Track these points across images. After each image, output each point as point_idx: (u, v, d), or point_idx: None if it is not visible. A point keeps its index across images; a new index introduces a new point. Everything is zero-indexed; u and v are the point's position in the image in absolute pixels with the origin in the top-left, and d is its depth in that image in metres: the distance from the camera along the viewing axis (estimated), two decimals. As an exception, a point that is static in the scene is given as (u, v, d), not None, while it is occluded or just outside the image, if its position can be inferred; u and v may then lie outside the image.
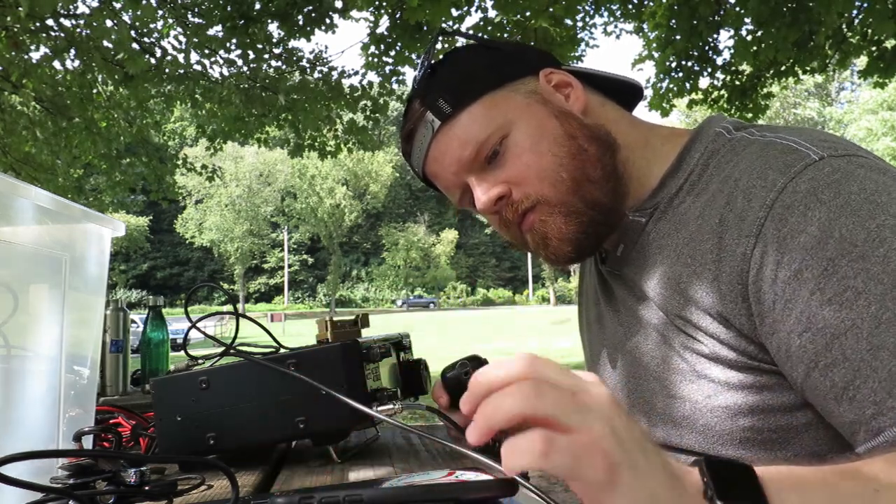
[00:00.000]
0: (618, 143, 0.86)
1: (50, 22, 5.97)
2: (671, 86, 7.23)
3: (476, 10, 6.50)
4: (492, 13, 6.39)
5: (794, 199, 0.68)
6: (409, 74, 7.12)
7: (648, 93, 7.33)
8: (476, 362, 0.93)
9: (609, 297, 0.94)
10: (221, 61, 7.12)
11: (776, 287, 0.68)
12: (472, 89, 0.85)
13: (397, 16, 6.42)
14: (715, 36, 6.80)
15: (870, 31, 6.01)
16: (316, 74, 7.55)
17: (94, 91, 7.65)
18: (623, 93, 0.95)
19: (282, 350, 1.09)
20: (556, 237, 0.84)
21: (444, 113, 0.85)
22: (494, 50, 0.91)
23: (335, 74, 7.52)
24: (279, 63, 7.43)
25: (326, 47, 7.64)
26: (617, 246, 0.89)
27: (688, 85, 7.20)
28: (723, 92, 7.39)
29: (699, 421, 0.77)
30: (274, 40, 7.12)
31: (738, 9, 6.11)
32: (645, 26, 7.21)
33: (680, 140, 0.86)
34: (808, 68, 6.65)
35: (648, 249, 0.84)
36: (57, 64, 6.52)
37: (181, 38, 6.84)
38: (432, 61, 0.90)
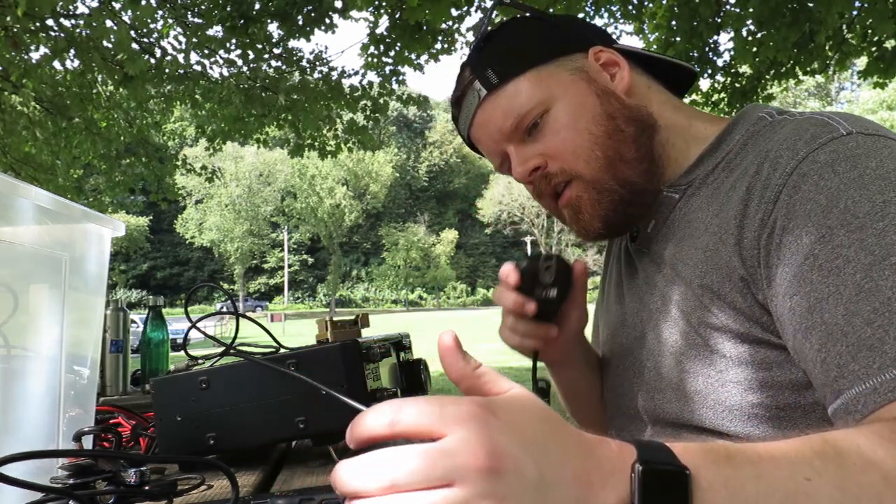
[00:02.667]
0: (658, 125, 0.88)
1: (50, 22, 5.96)
2: (671, 87, 7.21)
3: (476, 10, 6.50)
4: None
5: (812, 168, 0.70)
6: (410, 74, 7.12)
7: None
8: (563, 268, 0.87)
9: (632, 276, 0.95)
10: (221, 61, 7.11)
11: (780, 251, 0.70)
12: (520, 62, 0.88)
13: (397, 16, 6.42)
14: (715, 37, 6.80)
15: (870, 31, 6.01)
16: (316, 74, 7.54)
17: (94, 91, 7.64)
18: (674, 77, 0.96)
19: (282, 350, 1.09)
20: (588, 212, 0.87)
21: (490, 83, 0.88)
22: (548, 24, 0.92)
23: (335, 74, 7.51)
24: (279, 63, 7.41)
25: (326, 47, 7.63)
26: (648, 222, 0.90)
27: (688, 86, 7.18)
28: (723, 94, 7.39)
29: (710, 396, 0.79)
30: (274, 40, 7.11)
31: (738, 9, 6.11)
32: (645, 27, 7.20)
33: (723, 124, 0.88)
34: (809, 69, 6.65)
35: (679, 224, 0.86)
36: (57, 64, 6.52)
37: (181, 38, 6.82)
38: (488, 29, 0.92)
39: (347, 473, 0.40)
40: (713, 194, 0.82)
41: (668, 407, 0.84)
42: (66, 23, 6.22)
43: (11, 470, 0.59)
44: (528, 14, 0.96)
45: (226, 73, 7.18)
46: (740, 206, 0.75)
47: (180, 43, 6.79)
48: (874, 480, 0.49)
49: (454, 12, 6.22)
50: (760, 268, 0.73)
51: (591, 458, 0.43)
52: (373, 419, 0.42)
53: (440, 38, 6.70)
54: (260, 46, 6.96)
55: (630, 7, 7.09)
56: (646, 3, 7.02)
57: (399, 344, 1.19)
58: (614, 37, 0.98)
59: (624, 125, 0.86)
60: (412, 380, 1.17)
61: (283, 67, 7.43)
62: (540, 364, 0.96)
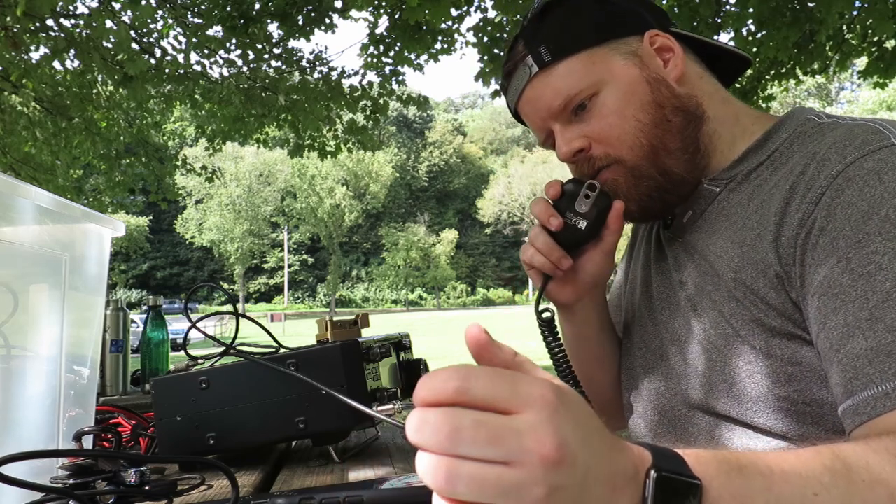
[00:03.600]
0: (706, 116, 0.88)
1: (50, 22, 5.96)
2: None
3: (476, 10, 6.50)
4: (492, 13, 6.39)
5: (858, 173, 0.70)
6: (410, 74, 7.12)
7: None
8: (602, 205, 0.88)
9: (661, 262, 0.96)
10: (221, 61, 7.11)
11: (815, 252, 0.70)
12: (575, 42, 0.87)
13: (397, 16, 6.42)
14: (715, 37, 6.79)
15: (870, 31, 6.01)
16: (316, 74, 7.54)
17: (94, 91, 7.64)
18: (727, 64, 0.95)
19: (282, 350, 1.09)
20: (623, 195, 0.88)
21: (543, 61, 0.88)
22: (606, 2, 0.90)
23: (335, 74, 7.51)
24: (279, 63, 7.42)
25: (326, 47, 7.63)
26: (685, 213, 0.90)
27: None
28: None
29: (736, 386, 0.79)
30: (274, 40, 7.11)
31: (738, 9, 6.11)
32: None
33: (769, 122, 0.88)
34: (809, 69, 6.65)
35: (717, 217, 0.86)
36: (57, 64, 6.51)
37: (181, 38, 6.83)
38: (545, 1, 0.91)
39: (416, 423, 0.40)
40: (755, 191, 0.82)
41: (692, 393, 0.85)
42: (66, 23, 6.22)
43: (11, 470, 0.59)
44: None
45: (226, 73, 7.18)
46: (782, 203, 0.76)
47: (180, 43, 6.79)
48: (881, 497, 0.50)
49: (454, 12, 6.22)
50: (795, 266, 0.73)
51: (620, 460, 0.44)
52: (440, 383, 0.41)
53: (440, 38, 6.69)
54: (260, 46, 6.95)
55: (630, 7, 7.08)
56: (646, 3, 7.01)
57: (399, 344, 1.19)
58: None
59: (671, 115, 0.86)
60: (412, 380, 1.17)
61: (283, 67, 7.43)
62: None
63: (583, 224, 0.87)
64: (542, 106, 0.90)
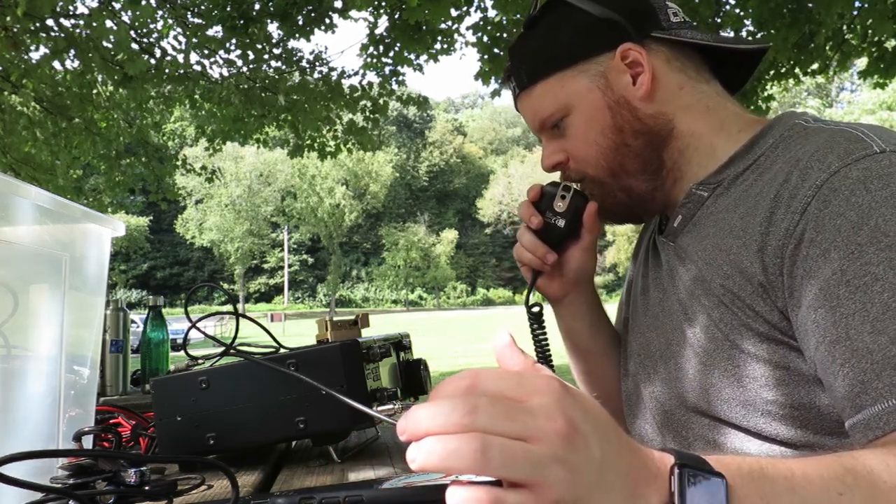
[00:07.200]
0: (675, 133, 0.90)
1: (50, 22, 5.96)
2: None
3: (476, 10, 6.50)
4: (492, 13, 6.39)
5: (843, 184, 0.70)
6: (409, 75, 7.13)
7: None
8: (577, 205, 0.96)
9: (657, 267, 0.97)
10: (221, 61, 7.11)
11: (806, 264, 0.71)
12: (547, 66, 0.93)
13: (396, 16, 6.42)
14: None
15: (870, 31, 6.01)
16: (316, 75, 7.54)
17: (94, 91, 7.63)
18: (739, 57, 0.95)
19: (282, 350, 1.09)
20: (598, 204, 0.97)
21: (522, 83, 0.96)
22: (586, 16, 0.90)
23: (335, 75, 7.51)
24: (279, 63, 7.41)
25: (326, 48, 7.63)
26: (676, 217, 0.92)
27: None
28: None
29: (725, 389, 0.80)
30: (274, 40, 7.11)
31: (738, 10, 6.11)
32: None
33: (759, 126, 0.88)
34: (809, 70, 6.65)
35: (705, 222, 0.87)
36: (57, 64, 6.51)
37: (181, 38, 6.83)
38: (536, 12, 0.96)
39: (430, 410, 0.41)
40: (741, 196, 0.83)
41: (687, 396, 0.86)
42: (66, 23, 6.22)
43: (11, 470, 0.59)
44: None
45: (226, 74, 7.18)
46: (766, 213, 0.76)
47: (180, 43, 6.80)
48: None
49: (454, 12, 6.22)
50: (783, 277, 0.74)
51: (639, 457, 0.45)
52: (455, 380, 0.43)
53: (440, 38, 6.69)
54: (260, 46, 6.95)
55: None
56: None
57: (399, 344, 1.19)
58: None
59: (631, 139, 0.90)
60: (412, 380, 1.17)
61: (283, 68, 7.43)
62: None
63: (561, 222, 0.97)
64: (528, 120, 0.99)
